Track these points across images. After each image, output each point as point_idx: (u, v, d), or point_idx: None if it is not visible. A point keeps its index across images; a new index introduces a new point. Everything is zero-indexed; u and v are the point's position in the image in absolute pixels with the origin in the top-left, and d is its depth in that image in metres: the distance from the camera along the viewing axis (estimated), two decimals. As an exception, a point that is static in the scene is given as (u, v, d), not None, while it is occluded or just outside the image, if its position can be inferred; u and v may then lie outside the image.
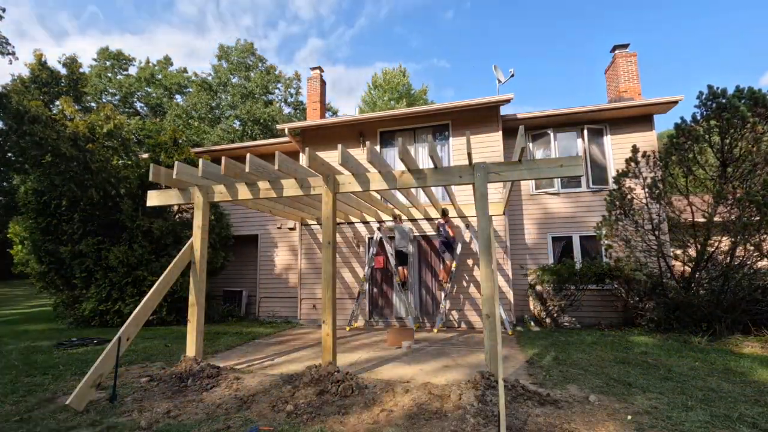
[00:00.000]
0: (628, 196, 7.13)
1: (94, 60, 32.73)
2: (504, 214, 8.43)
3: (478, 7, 64.52)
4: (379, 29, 65.68)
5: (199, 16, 60.38)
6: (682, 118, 7.01)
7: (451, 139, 9.10)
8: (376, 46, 68.09)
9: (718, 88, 6.65)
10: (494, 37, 68.67)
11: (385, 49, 68.12)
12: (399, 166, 7.68)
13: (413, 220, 8.93)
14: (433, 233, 8.86)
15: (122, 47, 51.48)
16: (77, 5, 59.57)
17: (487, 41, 68.24)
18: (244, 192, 5.49)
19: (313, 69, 12.45)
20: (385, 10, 62.80)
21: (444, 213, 8.00)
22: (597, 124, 9.11)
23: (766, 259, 6.39)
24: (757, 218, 6.01)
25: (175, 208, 9.89)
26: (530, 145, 9.48)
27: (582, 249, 8.82)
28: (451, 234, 8.12)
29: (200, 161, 5.12)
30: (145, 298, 4.79)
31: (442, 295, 8.28)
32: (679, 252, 7.25)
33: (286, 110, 33.15)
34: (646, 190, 7.01)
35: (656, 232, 7.00)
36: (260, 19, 61.04)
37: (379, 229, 8.85)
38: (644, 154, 7.03)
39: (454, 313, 8.50)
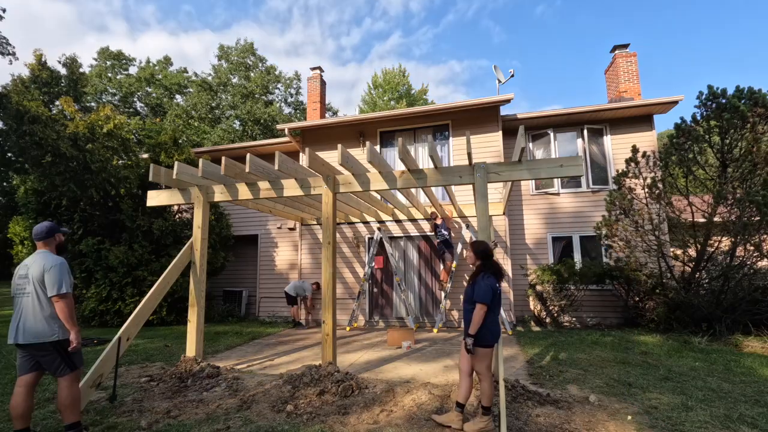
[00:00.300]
0: (628, 196, 7.12)
1: (94, 60, 32.76)
2: (504, 214, 8.43)
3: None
4: (465, 26, 65.94)
5: (286, 12, 61.01)
6: (682, 118, 7.01)
7: (451, 139, 9.10)
8: (456, 43, 68.23)
9: (718, 88, 6.65)
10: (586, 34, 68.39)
11: (463, 47, 68.42)
12: (399, 166, 7.69)
13: (413, 220, 8.93)
14: (433, 233, 8.86)
15: (198, 43, 54.18)
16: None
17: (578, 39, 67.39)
18: (244, 192, 5.49)
19: (313, 69, 12.44)
20: (475, 7, 63.07)
21: (435, 216, 7.98)
22: (597, 124, 9.11)
23: (766, 259, 6.39)
24: (757, 218, 6.01)
25: (175, 208, 9.89)
26: (530, 145, 9.48)
27: (582, 249, 8.82)
28: (452, 233, 8.15)
29: (200, 161, 5.12)
30: (145, 298, 4.79)
31: (443, 294, 8.27)
32: (679, 252, 7.25)
33: (286, 110, 33.15)
34: (646, 190, 7.01)
35: (656, 232, 6.99)
36: (346, 15, 61.70)
37: (379, 229, 8.85)
38: (644, 154, 7.03)
39: (454, 312, 8.50)
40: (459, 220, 8.65)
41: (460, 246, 8.34)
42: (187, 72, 34.63)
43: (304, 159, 4.73)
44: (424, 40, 63.21)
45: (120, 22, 58.74)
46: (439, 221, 8.11)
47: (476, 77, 63.39)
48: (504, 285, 8.21)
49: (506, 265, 8.28)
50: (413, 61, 60.44)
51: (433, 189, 7.40)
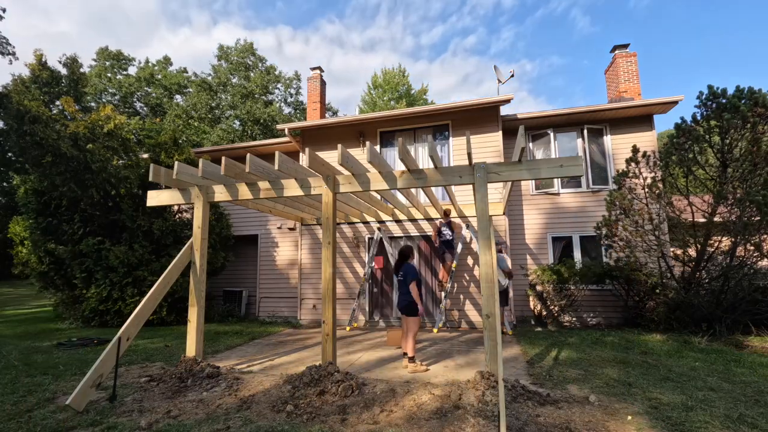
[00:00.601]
0: (628, 196, 7.12)
1: (94, 60, 32.76)
2: (504, 214, 8.43)
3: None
4: (553, 22, 66.75)
5: (374, 7, 61.29)
6: (682, 118, 7.01)
7: (451, 139, 9.10)
8: (534, 40, 69.05)
9: (718, 88, 6.64)
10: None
11: (539, 44, 69.12)
12: (399, 166, 7.69)
13: (413, 220, 8.92)
14: (434, 233, 8.86)
15: (272, 38, 55.05)
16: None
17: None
18: (244, 192, 5.49)
19: (313, 69, 12.44)
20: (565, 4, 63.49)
21: (446, 213, 8.00)
22: (597, 124, 9.11)
23: (766, 259, 6.39)
24: (757, 218, 6.01)
25: (175, 208, 9.89)
26: (530, 145, 9.48)
27: (582, 249, 8.82)
28: (456, 233, 8.16)
29: (200, 161, 5.12)
30: (146, 298, 4.79)
31: (443, 294, 8.27)
32: (679, 252, 7.25)
33: (286, 110, 33.17)
34: (646, 190, 7.01)
35: (656, 232, 6.99)
36: (431, 12, 61.98)
37: (379, 229, 8.85)
38: (644, 154, 7.03)
39: (454, 312, 8.50)
40: (458, 219, 8.65)
41: (460, 246, 8.34)
42: (186, 72, 34.64)
43: (304, 159, 4.73)
44: (506, 37, 64.30)
45: (203, 13, 59.80)
46: (445, 220, 8.11)
47: (542, 75, 64.78)
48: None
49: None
50: (484, 57, 61.62)
51: (433, 189, 7.39)
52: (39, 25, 53.88)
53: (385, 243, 8.70)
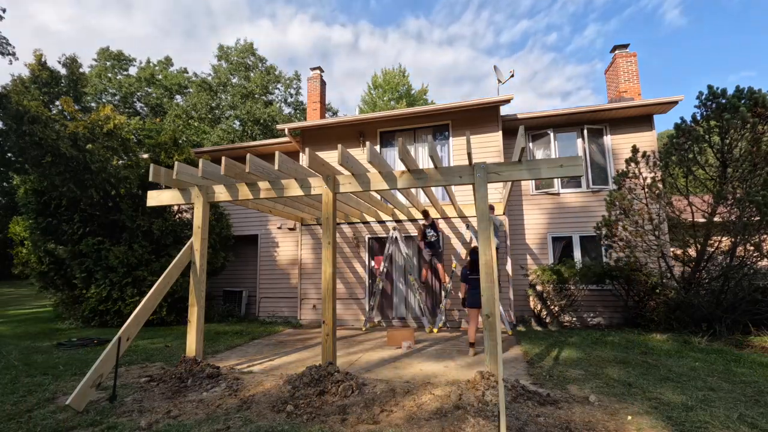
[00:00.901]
0: (628, 196, 7.12)
1: (94, 60, 32.76)
2: (504, 214, 8.43)
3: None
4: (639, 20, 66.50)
5: (463, 4, 61.43)
6: (682, 118, 7.01)
7: (451, 139, 9.10)
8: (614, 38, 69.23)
9: (718, 88, 6.64)
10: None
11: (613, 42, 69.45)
12: (399, 166, 7.69)
13: (413, 220, 8.92)
14: (418, 233, 8.87)
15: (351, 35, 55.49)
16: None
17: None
18: (244, 192, 5.49)
19: (313, 69, 12.44)
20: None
21: (426, 214, 7.91)
22: (597, 124, 9.11)
23: (766, 259, 6.39)
24: (757, 218, 6.01)
25: (175, 208, 9.89)
26: (530, 145, 9.48)
27: (582, 249, 8.82)
28: (440, 232, 8.19)
29: (200, 161, 5.12)
30: (145, 298, 4.79)
31: (443, 294, 8.27)
32: (679, 252, 7.25)
33: (286, 110, 33.17)
34: (646, 190, 7.01)
35: (656, 233, 7.00)
36: (521, 8, 62.49)
37: (395, 228, 8.79)
38: (644, 154, 7.03)
39: (455, 312, 8.50)
40: (459, 220, 8.65)
41: (461, 246, 8.34)
42: (187, 72, 34.64)
43: (304, 159, 4.73)
44: (588, 35, 64.56)
45: (287, 8, 60.35)
46: (428, 222, 8.03)
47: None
48: (504, 285, 8.22)
49: (506, 264, 8.28)
50: (561, 54, 62.43)
51: (433, 189, 7.40)
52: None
53: (400, 242, 8.66)
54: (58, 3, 56.36)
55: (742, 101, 6.38)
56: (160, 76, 33.30)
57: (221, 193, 5.63)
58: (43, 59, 21.09)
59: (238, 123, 30.63)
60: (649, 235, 7.06)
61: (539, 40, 65.34)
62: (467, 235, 8.53)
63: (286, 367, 5.25)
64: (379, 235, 9.23)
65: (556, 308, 8.02)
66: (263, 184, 5.36)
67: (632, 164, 7.10)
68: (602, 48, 69.61)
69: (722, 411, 3.45)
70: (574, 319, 8.33)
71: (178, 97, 33.74)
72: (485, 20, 62.17)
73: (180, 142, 10.24)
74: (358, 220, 9.20)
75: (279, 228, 10.53)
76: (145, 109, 33.34)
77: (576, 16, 65.98)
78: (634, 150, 7.14)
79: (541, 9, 63.30)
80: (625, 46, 10.23)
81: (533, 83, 66.59)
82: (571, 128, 9.23)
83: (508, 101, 8.45)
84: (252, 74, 32.51)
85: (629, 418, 3.36)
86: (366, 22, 63.33)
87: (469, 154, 4.52)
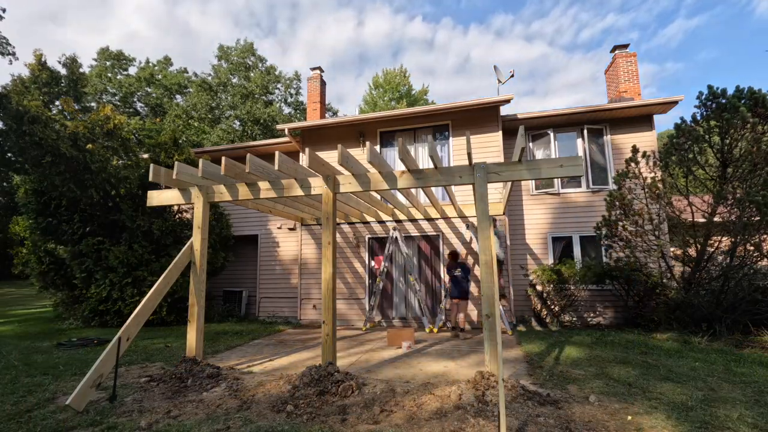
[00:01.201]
0: (628, 197, 7.12)
1: (94, 60, 32.76)
2: (504, 214, 8.43)
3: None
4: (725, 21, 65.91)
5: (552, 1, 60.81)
6: (682, 118, 7.02)
7: (451, 139, 9.10)
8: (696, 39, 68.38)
9: (718, 88, 6.65)
10: None
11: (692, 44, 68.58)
12: (399, 167, 7.69)
13: (413, 221, 8.92)
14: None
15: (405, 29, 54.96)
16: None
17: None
18: (244, 192, 5.49)
19: (313, 69, 12.44)
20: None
21: (455, 256, 7.70)
22: (597, 124, 9.10)
23: (766, 259, 6.39)
24: (757, 218, 6.01)
25: (175, 208, 9.89)
26: (530, 145, 9.48)
27: (582, 249, 8.82)
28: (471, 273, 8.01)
29: (200, 161, 5.12)
30: (145, 298, 4.79)
31: (443, 294, 8.27)
32: (679, 252, 7.25)
33: (286, 110, 33.16)
34: (646, 190, 7.01)
35: (656, 233, 7.00)
36: (613, 3, 61.88)
37: (395, 228, 8.80)
38: (644, 155, 7.03)
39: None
40: (459, 220, 8.65)
41: (461, 246, 8.34)
42: (187, 72, 34.64)
43: (304, 159, 4.73)
44: (669, 33, 63.71)
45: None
46: (454, 263, 7.60)
47: (679, 78, 63.81)
48: (504, 285, 8.23)
49: (506, 264, 8.28)
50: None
51: (433, 189, 7.40)
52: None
53: (400, 242, 8.66)
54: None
55: (742, 101, 6.38)
56: (159, 76, 33.29)
57: (221, 193, 5.63)
58: (43, 59, 21.06)
59: (238, 123, 30.62)
60: (649, 235, 7.06)
61: (616, 39, 63.99)
62: (467, 235, 8.53)
63: (286, 367, 5.25)
64: (379, 235, 9.23)
65: (557, 308, 8.02)
66: (263, 184, 5.36)
67: (632, 164, 7.10)
68: (677, 47, 67.33)
69: (722, 411, 3.45)
70: (574, 318, 8.32)
71: (178, 97, 33.74)
72: (571, 16, 60.99)
73: (180, 142, 10.24)
74: (358, 220, 9.19)
75: (279, 228, 10.53)
76: (145, 109, 33.33)
77: (664, 14, 64.31)
78: (634, 150, 7.14)
79: (634, 5, 62.07)
80: (625, 46, 10.23)
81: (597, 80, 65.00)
82: (571, 128, 9.23)
83: (508, 101, 8.45)
84: (252, 74, 32.50)
85: (629, 418, 3.36)
86: (449, 17, 62.20)
87: (469, 154, 4.52)
